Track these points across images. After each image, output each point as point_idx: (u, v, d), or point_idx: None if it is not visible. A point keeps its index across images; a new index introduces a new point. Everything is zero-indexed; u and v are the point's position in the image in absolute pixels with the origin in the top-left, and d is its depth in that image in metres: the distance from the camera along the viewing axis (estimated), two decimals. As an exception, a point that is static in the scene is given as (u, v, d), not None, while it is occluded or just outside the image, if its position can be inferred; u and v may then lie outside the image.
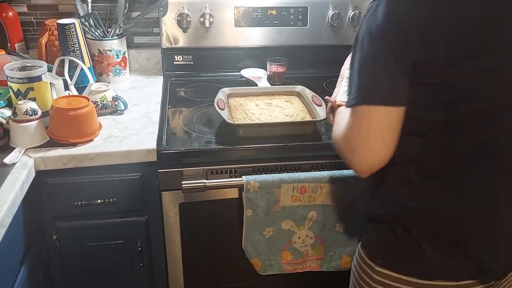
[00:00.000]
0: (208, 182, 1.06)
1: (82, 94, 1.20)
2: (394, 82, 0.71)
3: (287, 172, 1.10)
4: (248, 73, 1.55)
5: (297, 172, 1.11)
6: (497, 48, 0.70)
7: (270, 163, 1.11)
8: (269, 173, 1.10)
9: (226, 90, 1.29)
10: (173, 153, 1.08)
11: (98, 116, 1.18)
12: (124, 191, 1.11)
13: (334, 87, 0.99)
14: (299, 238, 1.14)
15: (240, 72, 1.55)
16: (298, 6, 1.51)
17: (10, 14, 1.43)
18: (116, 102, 1.25)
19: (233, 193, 1.12)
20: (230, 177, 1.10)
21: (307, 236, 1.14)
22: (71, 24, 1.30)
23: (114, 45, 1.44)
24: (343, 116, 0.78)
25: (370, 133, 0.73)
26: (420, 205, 0.77)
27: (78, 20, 1.34)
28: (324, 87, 1.47)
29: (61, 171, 1.06)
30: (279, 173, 1.10)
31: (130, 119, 1.23)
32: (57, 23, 1.32)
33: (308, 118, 1.19)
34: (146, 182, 1.11)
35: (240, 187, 1.07)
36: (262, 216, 1.09)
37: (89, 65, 1.34)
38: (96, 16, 1.42)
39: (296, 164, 1.12)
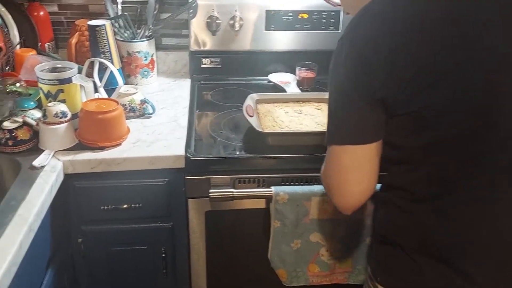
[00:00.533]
0: (236, 192, 1.04)
1: (111, 97, 1.20)
2: (360, 120, 0.73)
3: (317, 184, 1.07)
4: (276, 78, 1.52)
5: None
6: (458, 71, 0.68)
7: (299, 174, 1.08)
8: (298, 184, 1.07)
9: (255, 96, 1.27)
10: (201, 160, 1.06)
11: (126, 119, 1.17)
12: (150, 197, 1.10)
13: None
14: (327, 251, 1.10)
15: (268, 76, 1.52)
16: (330, 10, 1.47)
17: (41, 13, 1.43)
18: (144, 105, 1.24)
19: (260, 203, 1.09)
20: (258, 186, 1.08)
21: (335, 249, 1.11)
22: (102, 25, 1.29)
23: (143, 47, 1.43)
24: (327, 153, 0.79)
25: (342, 172, 0.76)
26: (410, 224, 0.78)
27: (109, 21, 1.34)
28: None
29: (88, 175, 1.05)
30: (309, 184, 1.07)
31: (158, 123, 1.21)
32: (88, 24, 1.31)
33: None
34: (173, 189, 1.10)
35: (268, 198, 1.05)
36: (290, 228, 1.06)
37: (119, 67, 1.33)
38: (126, 17, 1.41)
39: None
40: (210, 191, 1.04)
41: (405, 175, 0.76)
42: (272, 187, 1.05)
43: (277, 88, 1.47)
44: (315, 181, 1.08)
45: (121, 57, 1.43)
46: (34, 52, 1.34)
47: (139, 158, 1.06)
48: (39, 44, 1.42)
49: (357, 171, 0.75)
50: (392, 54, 0.68)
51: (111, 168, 1.05)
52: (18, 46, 1.36)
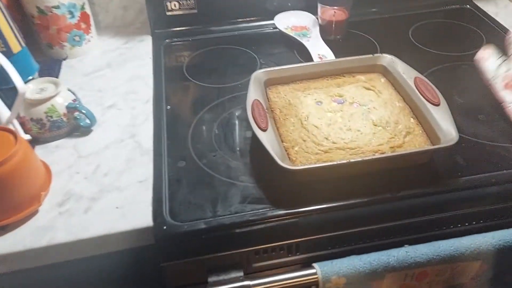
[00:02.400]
0: (254, 284, 0.59)
1: (8, 116, 0.68)
2: None
3: (393, 248, 0.61)
4: (286, 22, 0.97)
5: (411, 246, 0.62)
6: None
7: (356, 230, 0.62)
8: (357, 253, 0.61)
9: (261, 75, 0.75)
10: (186, 233, 0.58)
11: (46, 142, 0.68)
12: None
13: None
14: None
15: (273, 20, 0.97)
16: None
17: None
18: (75, 115, 0.73)
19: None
20: (289, 256, 0.62)
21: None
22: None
23: (63, -2, 0.86)
24: None
25: None
26: None
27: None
28: (417, 45, 0.91)
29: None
30: (377, 250, 0.61)
31: (103, 146, 0.71)
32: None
33: (420, 137, 0.65)
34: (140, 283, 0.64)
35: (312, 285, 0.60)
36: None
37: (21, 48, 0.77)
38: None
39: (407, 233, 0.64)
40: (209, 279, 0.59)
41: None
42: (315, 264, 0.59)
43: (289, 42, 0.93)
44: (388, 243, 0.63)
45: (31, 18, 0.87)
46: None
47: (70, 244, 0.58)
48: None
49: None
50: None
51: (23, 265, 0.58)
52: None
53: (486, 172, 0.63)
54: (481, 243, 0.60)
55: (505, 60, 0.74)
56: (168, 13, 0.96)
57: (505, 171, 0.63)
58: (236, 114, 0.76)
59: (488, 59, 0.75)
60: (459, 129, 0.63)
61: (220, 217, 0.58)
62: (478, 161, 0.65)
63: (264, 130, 0.64)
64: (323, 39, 0.92)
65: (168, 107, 0.78)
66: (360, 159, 0.59)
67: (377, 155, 0.61)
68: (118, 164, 0.67)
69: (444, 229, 0.63)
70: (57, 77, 0.88)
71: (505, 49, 0.76)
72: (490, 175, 0.62)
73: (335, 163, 0.59)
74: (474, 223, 0.64)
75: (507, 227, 0.61)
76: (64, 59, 0.92)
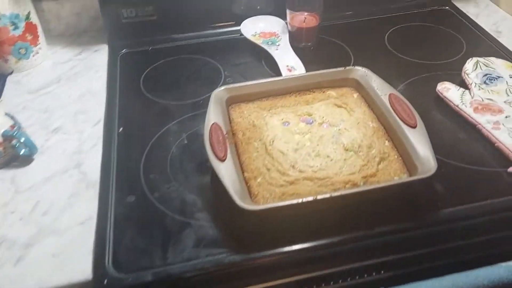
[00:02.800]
0: None
1: None
2: None
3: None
4: (253, 27, 0.90)
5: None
6: None
7: (327, 275, 0.56)
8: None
9: (222, 93, 0.67)
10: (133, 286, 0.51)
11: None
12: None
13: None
14: None
15: (239, 27, 0.90)
16: None
17: None
18: (12, 143, 0.65)
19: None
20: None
21: None
22: None
23: (3, 6, 0.77)
24: None
25: None
26: None
27: None
28: (393, 52, 0.85)
29: None
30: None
31: (44, 178, 0.63)
32: None
33: (395, 163, 0.59)
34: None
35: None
36: None
37: None
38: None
39: (383, 272, 0.57)
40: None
41: None
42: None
43: (257, 50, 0.85)
44: (359, 285, 0.56)
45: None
46: None
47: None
48: None
49: None
50: None
51: None
52: None
53: (470, 202, 0.57)
54: (464, 283, 0.54)
55: (464, 91, 0.72)
56: (124, 21, 0.88)
57: (490, 200, 0.57)
58: (196, 136, 0.69)
59: (449, 89, 0.72)
60: (437, 150, 0.57)
61: (170, 266, 0.51)
62: (459, 188, 0.59)
63: (222, 160, 0.57)
64: (293, 47, 0.84)
65: (121, 129, 0.70)
66: (328, 195, 0.52)
67: (347, 190, 0.54)
68: (59, 200, 0.60)
69: (424, 265, 0.57)
70: (0, 94, 0.79)
71: (464, 81, 0.74)
72: (474, 206, 0.56)
73: (299, 201, 0.52)
74: (455, 259, 0.58)
75: (491, 263, 0.56)
76: (10, 74, 0.84)
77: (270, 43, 0.86)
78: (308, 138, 0.62)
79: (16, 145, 0.64)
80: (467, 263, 0.56)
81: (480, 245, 0.58)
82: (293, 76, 0.72)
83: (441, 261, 0.58)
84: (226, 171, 0.55)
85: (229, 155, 0.58)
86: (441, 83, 0.73)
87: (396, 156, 0.59)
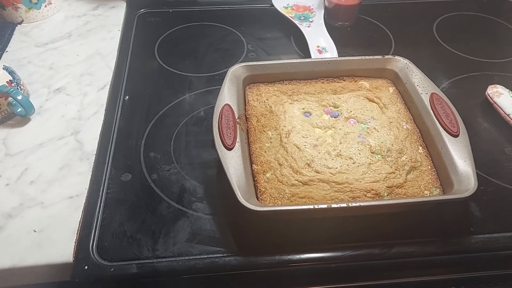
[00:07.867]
0: None
1: None
2: None
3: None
4: (285, 1, 0.81)
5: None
6: None
7: None
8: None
9: (239, 70, 0.60)
10: (110, 277, 0.46)
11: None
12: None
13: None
14: None
15: (271, -2, 0.81)
16: None
17: None
18: (8, 100, 0.59)
19: None
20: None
21: None
22: None
23: None
24: None
25: None
26: None
27: None
28: (441, 43, 0.75)
29: None
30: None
31: (37, 143, 0.58)
32: None
33: (427, 175, 0.51)
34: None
35: None
36: None
37: None
38: None
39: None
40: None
41: None
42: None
43: (287, 25, 0.77)
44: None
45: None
46: None
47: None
48: None
49: None
50: None
51: None
52: None
53: (508, 230, 0.49)
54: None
55: None
56: (147, -23, 0.81)
57: (531, 231, 0.49)
58: (206, 116, 0.62)
59: (501, 94, 0.62)
60: (478, 165, 0.49)
61: (158, 260, 0.46)
62: (498, 213, 0.51)
63: (229, 149, 0.50)
64: (327, 25, 0.76)
65: (126, 97, 0.64)
66: (344, 205, 0.45)
67: (367, 201, 0.47)
68: (50, 169, 0.55)
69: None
70: (6, 45, 0.74)
71: None
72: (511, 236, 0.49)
73: (311, 207, 0.45)
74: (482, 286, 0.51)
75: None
76: (20, 23, 0.78)
77: (302, 18, 0.78)
78: (330, 134, 0.55)
79: (12, 102, 0.59)
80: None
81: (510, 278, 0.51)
82: (323, 60, 0.64)
83: (465, 291, 0.51)
84: (232, 161, 0.49)
85: (237, 144, 0.51)
86: (492, 86, 0.64)
87: (429, 167, 0.52)
